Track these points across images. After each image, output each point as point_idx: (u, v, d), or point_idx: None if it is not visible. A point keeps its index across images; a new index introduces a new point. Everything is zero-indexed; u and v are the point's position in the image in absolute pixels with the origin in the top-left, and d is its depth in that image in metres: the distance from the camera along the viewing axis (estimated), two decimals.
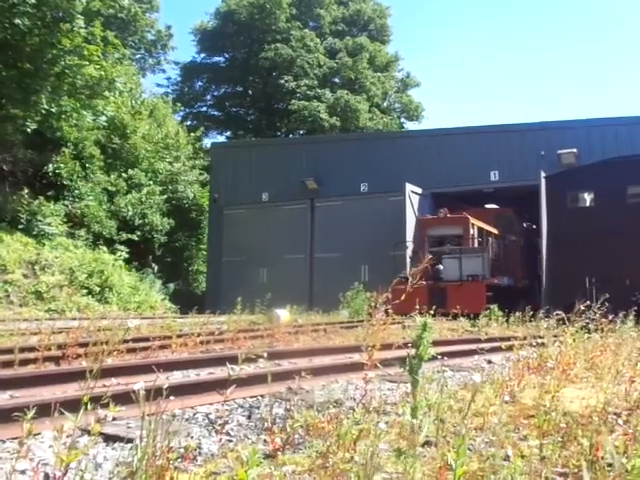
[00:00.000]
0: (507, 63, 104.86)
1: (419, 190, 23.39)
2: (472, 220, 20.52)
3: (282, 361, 7.03)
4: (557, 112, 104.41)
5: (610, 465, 2.39)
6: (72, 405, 2.97)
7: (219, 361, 6.45)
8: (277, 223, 27.08)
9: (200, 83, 49.22)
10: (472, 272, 18.78)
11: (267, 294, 15.56)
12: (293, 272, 25.93)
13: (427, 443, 3.17)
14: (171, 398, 2.87)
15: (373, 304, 4.36)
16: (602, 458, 2.60)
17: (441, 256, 19.37)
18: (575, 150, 21.24)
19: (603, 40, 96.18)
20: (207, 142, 43.33)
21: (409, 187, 22.73)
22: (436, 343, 7.69)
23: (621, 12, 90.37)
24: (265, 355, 4.72)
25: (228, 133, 49.89)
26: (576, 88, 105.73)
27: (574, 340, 5.65)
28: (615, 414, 3.54)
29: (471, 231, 20.33)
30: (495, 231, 21.89)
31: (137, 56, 39.98)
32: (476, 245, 20.37)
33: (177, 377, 5.88)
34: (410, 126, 49.84)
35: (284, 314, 15.06)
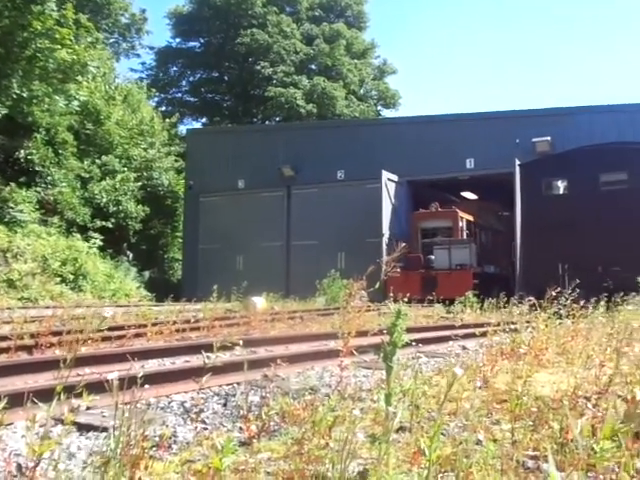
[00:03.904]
0: (486, 50, 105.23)
1: (395, 178, 23.52)
2: (460, 214, 22.05)
3: (258, 349, 7.03)
4: (538, 99, 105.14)
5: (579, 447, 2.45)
6: (45, 395, 2.94)
7: (195, 349, 6.43)
8: (253, 210, 27.00)
9: (175, 68, 48.59)
10: (460, 261, 20.37)
11: (243, 282, 15.54)
12: (270, 259, 25.92)
13: (401, 429, 3.20)
14: (146, 387, 2.87)
15: (349, 291, 4.39)
16: (572, 441, 2.66)
17: (432, 247, 21.23)
18: (549, 138, 21.49)
19: (585, 25, 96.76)
20: (182, 129, 42.90)
21: (385, 174, 22.86)
22: (411, 330, 7.83)
23: None
24: (241, 343, 4.75)
25: (204, 119, 49.49)
26: (558, 74, 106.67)
27: (546, 326, 5.74)
28: (585, 398, 3.61)
29: (460, 224, 21.90)
30: (481, 222, 23.01)
31: (111, 40, 39.19)
32: (464, 237, 21.88)
33: (152, 365, 5.86)
34: (387, 114, 49.92)
35: (260, 302, 15.08)
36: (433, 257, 20.94)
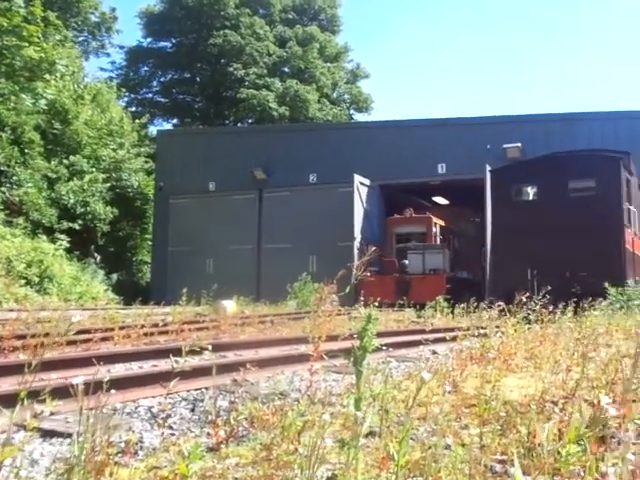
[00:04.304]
0: (466, 54, 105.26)
1: (367, 182, 23.67)
2: (434, 219, 22.55)
3: (228, 353, 7.00)
4: (517, 103, 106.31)
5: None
6: (8, 400, 2.89)
7: (163, 353, 6.36)
8: (224, 213, 26.86)
9: (146, 68, 48.18)
10: (434, 266, 20.80)
11: (213, 285, 15.40)
12: (240, 263, 25.83)
13: (371, 434, 3.21)
14: (112, 392, 2.82)
15: (320, 295, 4.39)
16: (539, 445, 2.69)
17: (407, 252, 21.59)
18: (520, 144, 21.80)
19: (565, 29, 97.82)
20: (153, 130, 42.60)
21: (358, 178, 23.00)
22: (382, 334, 7.88)
23: None
24: (210, 347, 4.70)
25: (175, 121, 49.18)
26: (538, 78, 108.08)
27: (515, 331, 5.80)
28: (552, 402, 3.67)
29: (433, 229, 22.42)
30: (454, 228, 23.43)
31: (80, 39, 38.76)
32: (438, 242, 22.33)
33: (119, 370, 5.78)
34: (359, 117, 50.20)
35: (230, 305, 15.06)
36: (407, 262, 21.28)
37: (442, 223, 23.09)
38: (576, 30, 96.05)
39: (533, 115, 23.43)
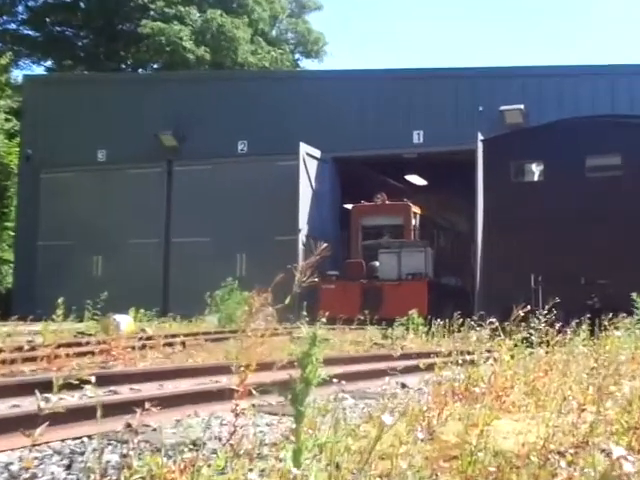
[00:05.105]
0: None
1: (318, 153, 23.73)
2: (414, 208, 22.94)
3: (120, 387, 7.00)
4: (507, 58, 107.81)
5: None
6: None
7: (27, 388, 6.27)
8: (119, 194, 26.65)
9: None
10: (413, 270, 21.06)
11: (103, 293, 15.23)
12: (141, 263, 25.69)
13: None
14: None
15: (251, 308, 4.38)
16: None
17: (377, 250, 21.90)
18: (522, 107, 22.19)
19: None
20: (17, 74, 41.70)
21: (304, 148, 23.02)
22: (333, 362, 7.90)
23: None
24: (93, 379, 4.65)
25: (49, 63, 48.27)
26: (540, 31, 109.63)
27: (512, 357, 5.89)
28: (559, 453, 3.74)
29: (413, 221, 22.89)
30: (439, 220, 23.63)
31: None
32: (418, 238, 22.73)
33: None
34: (308, 65, 50.29)
35: (126, 321, 15.09)
36: (378, 264, 21.60)
37: (423, 213, 23.46)
38: None
39: (541, 67, 23.85)
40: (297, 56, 50.50)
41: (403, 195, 23.89)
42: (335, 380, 4.41)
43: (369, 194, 23.24)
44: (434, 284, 21.07)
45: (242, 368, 3.90)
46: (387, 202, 22.95)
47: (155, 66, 44.77)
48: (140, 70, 45.14)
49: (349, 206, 24.97)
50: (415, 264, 21.18)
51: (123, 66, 46.09)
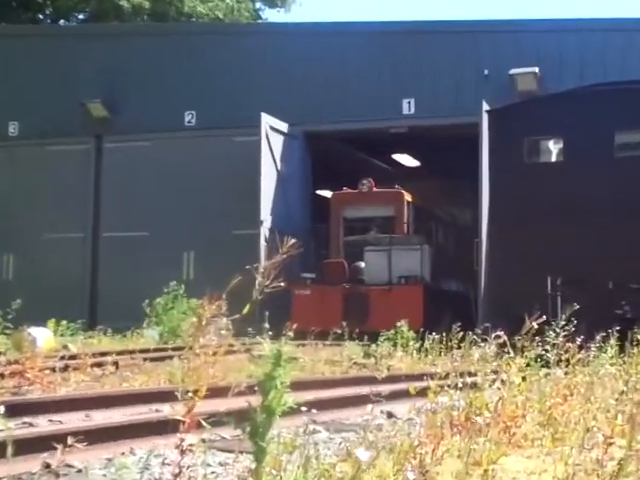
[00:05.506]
0: None
1: (284, 126, 23.65)
2: (407, 196, 22.78)
3: (37, 418, 6.98)
4: (520, 10, 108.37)
5: None
6: None
7: None
8: (36, 176, 26.63)
9: None
10: (406, 272, 21.05)
11: (14, 300, 15.18)
12: (63, 263, 25.71)
13: None
14: None
15: (200, 319, 4.24)
16: None
17: (362, 248, 21.86)
18: (537, 69, 22.15)
19: None
20: None
21: (267, 120, 22.90)
22: (303, 386, 7.79)
23: None
24: (2, 409, 4.53)
25: None
26: None
27: (523, 379, 5.83)
28: None
29: (406, 213, 22.81)
30: (439, 212, 23.55)
31: None
32: (412, 233, 22.77)
33: None
34: (272, 17, 50.21)
35: (44, 336, 15.05)
36: (363, 264, 21.60)
37: (418, 202, 23.36)
38: None
39: (560, 20, 23.77)
40: (258, 5, 50.20)
41: (393, 180, 23.74)
42: (305, 409, 4.36)
43: (350, 178, 23.21)
44: (431, 289, 21.12)
45: (189, 394, 3.78)
46: (375, 189, 22.78)
47: (80, 17, 44.55)
48: (62, 22, 44.79)
49: (327, 194, 24.94)
50: (409, 265, 21.09)
51: (40, 17, 45.78)
